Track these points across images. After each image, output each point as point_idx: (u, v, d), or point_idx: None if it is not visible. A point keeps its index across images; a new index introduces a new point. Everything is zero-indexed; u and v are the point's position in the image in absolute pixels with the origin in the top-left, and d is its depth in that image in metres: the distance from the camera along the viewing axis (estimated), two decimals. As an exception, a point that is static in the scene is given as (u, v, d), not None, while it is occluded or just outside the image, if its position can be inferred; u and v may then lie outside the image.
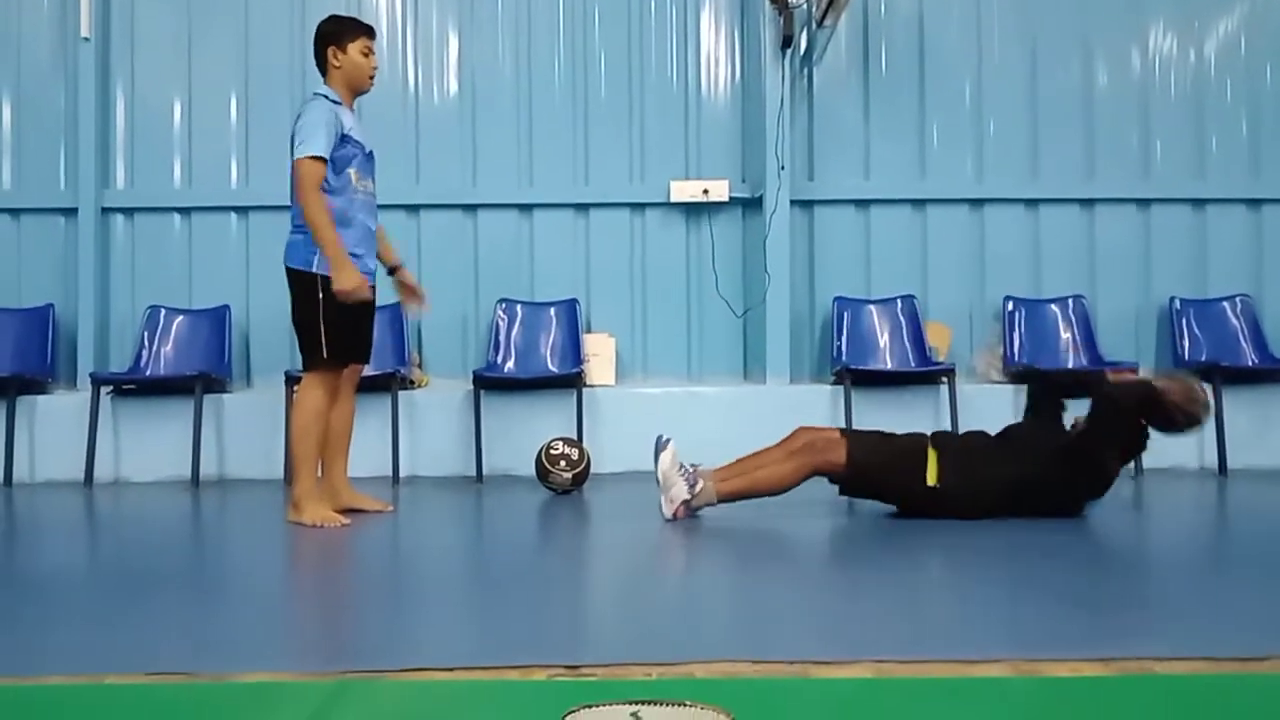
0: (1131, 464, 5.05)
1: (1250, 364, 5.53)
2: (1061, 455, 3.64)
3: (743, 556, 3.19)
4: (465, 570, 3.12)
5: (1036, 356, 5.54)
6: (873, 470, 3.65)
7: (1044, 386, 4.02)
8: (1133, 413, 3.66)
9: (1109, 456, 3.67)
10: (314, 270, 3.69)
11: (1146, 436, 3.72)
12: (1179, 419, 3.65)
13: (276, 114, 5.73)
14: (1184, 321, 5.71)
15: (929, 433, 3.84)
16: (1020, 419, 4.01)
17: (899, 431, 3.90)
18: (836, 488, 3.77)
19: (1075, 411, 3.80)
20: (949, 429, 3.85)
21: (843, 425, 5.15)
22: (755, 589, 2.75)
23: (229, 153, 5.88)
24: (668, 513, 3.62)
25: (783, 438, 3.79)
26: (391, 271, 4.11)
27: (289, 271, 3.76)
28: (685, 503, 3.60)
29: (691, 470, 3.66)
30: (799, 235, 5.78)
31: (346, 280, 3.63)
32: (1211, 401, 3.75)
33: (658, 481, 3.66)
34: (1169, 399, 3.62)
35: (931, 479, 3.60)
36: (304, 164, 3.62)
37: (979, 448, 3.75)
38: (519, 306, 5.77)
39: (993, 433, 3.87)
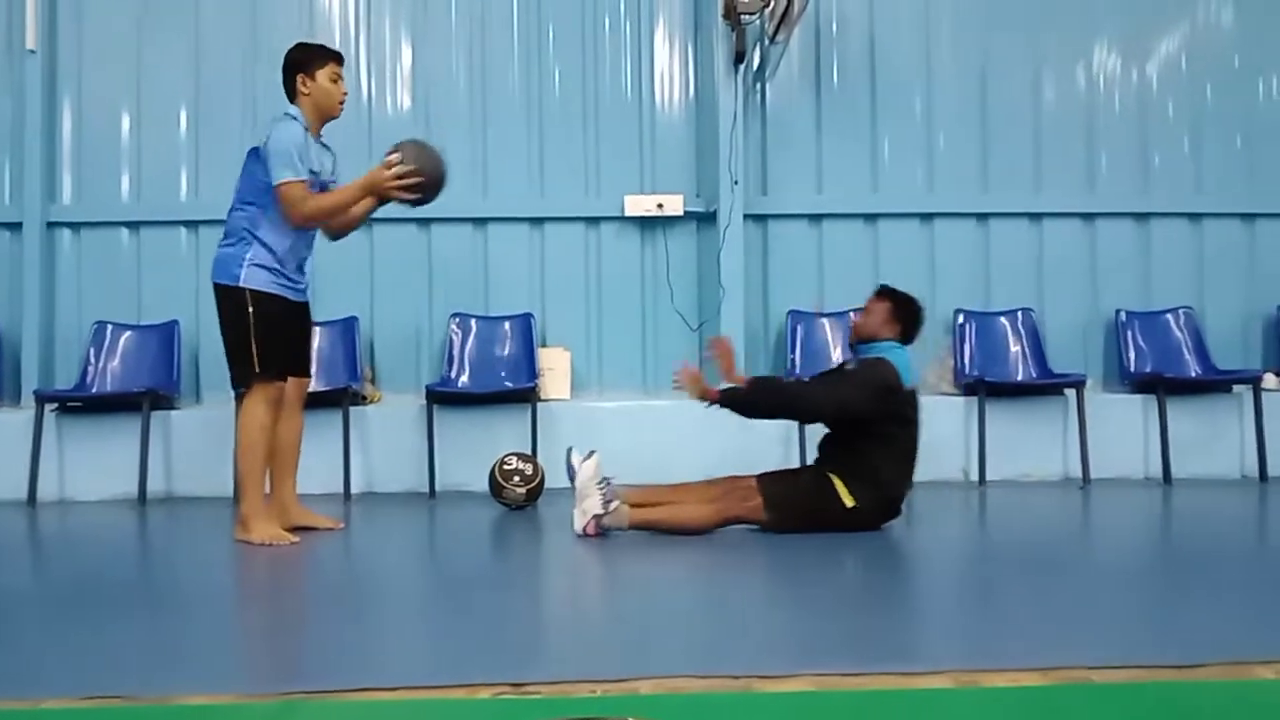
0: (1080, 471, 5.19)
1: (1193, 375, 5.64)
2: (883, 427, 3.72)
3: (688, 572, 3.20)
4: (414, 588, 3.10)
5: (986, 369, 5.62)
6: (793, 506, 3.67)
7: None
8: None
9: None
10: (241, 285, 3.66)
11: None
12: None
13: (227, 127, 5.70)
14: (1129, 333, 5.82)
15: (813, 461, 3.91)
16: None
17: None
18: (761, 530, 3.77)
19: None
20: (825, 452, 3.92)
21: (798, 437, 5.20)
22: (700, 604, 2.76)
23: (178, 166, 5.82)
24: (578, 526, 3.62)
25: (706, 479, 3.85)
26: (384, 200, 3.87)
27: (216, 287, 3.72)
28: (597, 517, 3.60)
29: (610, 486, 3.66)
30: (753, 249, 5.82)
31: (373, 180, 3.72)
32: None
33: (573, 490, 3.66)
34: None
35: (849, 501, 3.65)
36: (283, 191, 3.60)
37: (848, 449, 3.77)
38: (473, 320, 5.75)
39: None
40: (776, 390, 3.89)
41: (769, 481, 3.78)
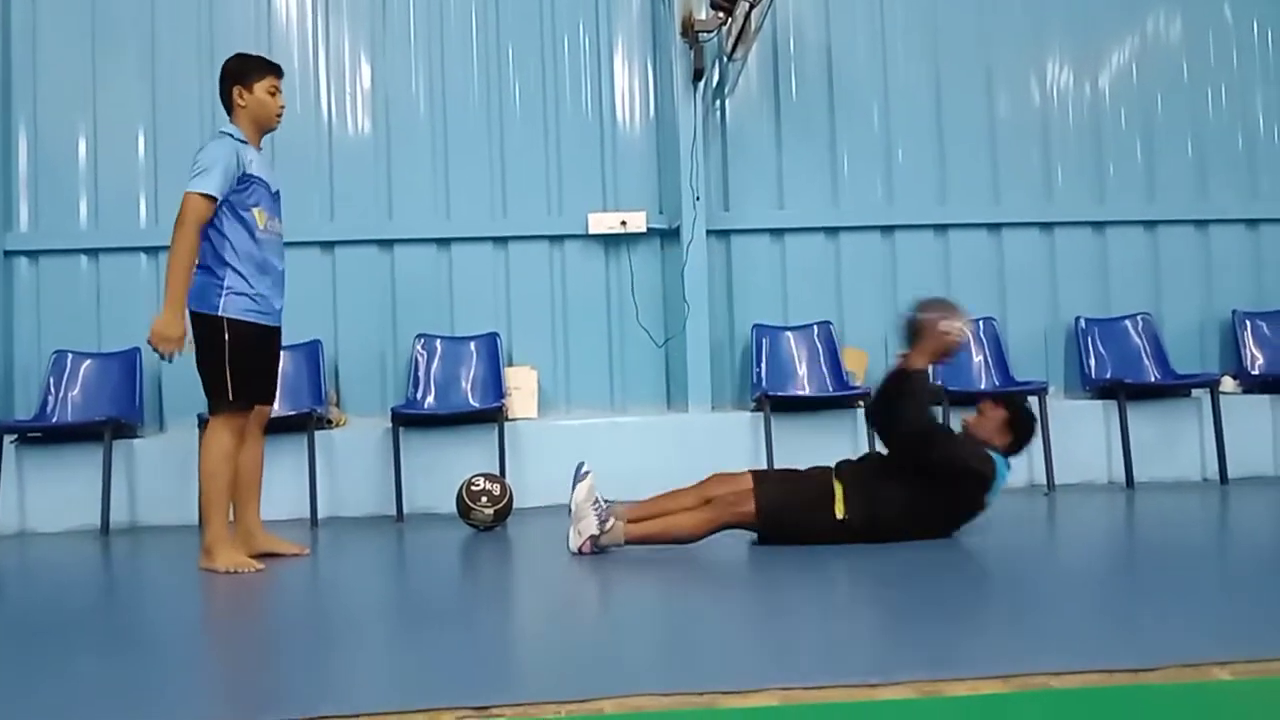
0: (1043, 478, 5.23)
1: (1153, 380, 5.73)
2: (936, 469, 3.67)
3: (655, 588, 3.19)
4: (379, 613, 3.07)
5: (950, 378, 5.66)
6: (785, 516, 3.66)
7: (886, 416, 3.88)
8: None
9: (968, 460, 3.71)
10: (219, 313, 3.63)
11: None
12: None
13: (186, 151, 5.48)
14: (1089, 340, 5.90)
15: (834, 464, 3.84)
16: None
17: (818, 457, 3.94)
18: (755, 537, 3.76)
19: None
20: (853, 456, 3.89)
21: (765, 449, 5.22)
22: (666, 621, 2.76)
23: (137, 191, 5.78)
24: (573, 545, 3.61)
25: (698, 481, 3.81)
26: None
27: (193, 315, 3.69)
28: (593, 538, 3.59)
29: (605, 506, 3.65)
30: (716, 264, 5.86)
31: (166, 326, 3.53)
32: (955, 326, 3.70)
33: (569, 510, 3.66)
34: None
35: (840, 512, 3.63)
36: (192, 198, 3.56)
37: (874, 470, 3.78)
38: (438, 341, 5.74)
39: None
40: (924, 408, 3.76)
41: (765, 483, 3.76)
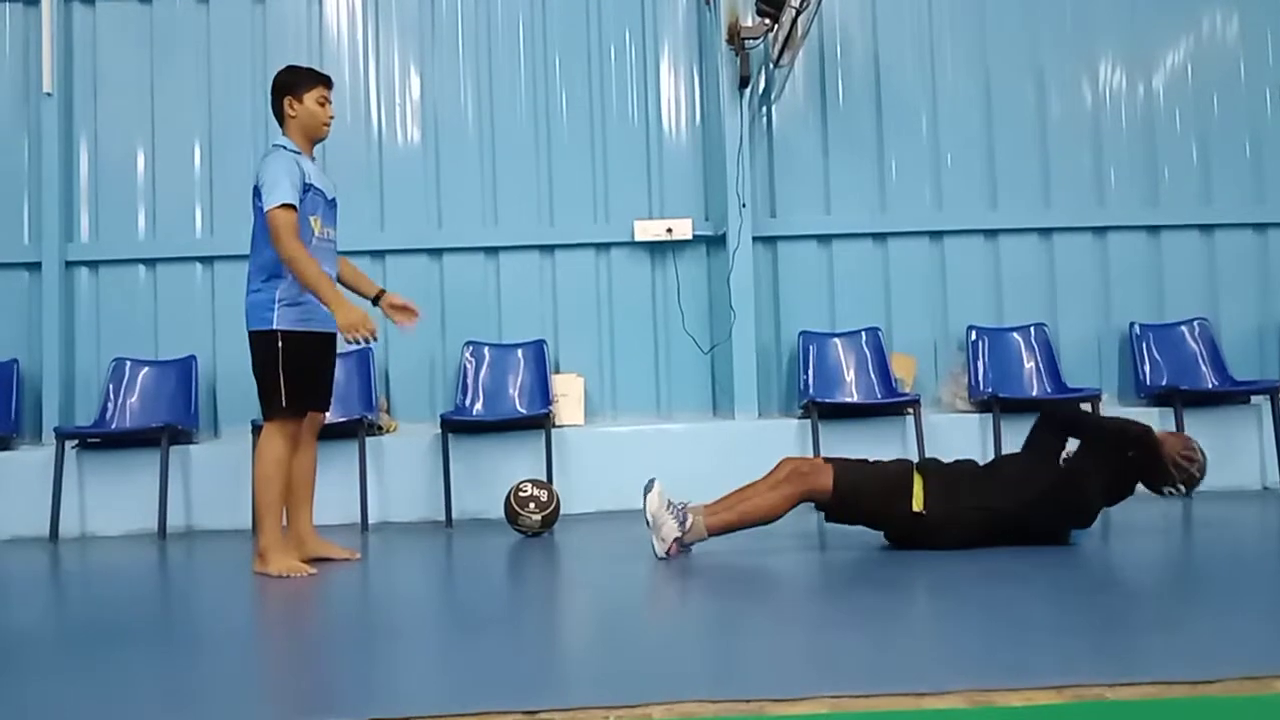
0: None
1: (1210, 387, 5.61)
2: (1049, 493, 3.65)
3: (708, 593, 3.20)
4: (430, 617, 3.10)
5: (1001, 385, 5.60)
6: (860, 497, 3.65)
7: (1048, 421, 3.95)
8: (1122, 448, 3.70)
9: (1093, 490, 3.68)
10: (273, 328, 3.71)
11: (1133, 480, 3.74)
12: (1168, 471, 3.69)
13: (240, 163, 5.76)
14: (1144, 346, 5.80)
15: (914, 460, 3.86)
16: (1019, 449, 3.97)
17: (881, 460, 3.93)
18: (822, 514, 3.77)
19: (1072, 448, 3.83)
20: (933, 457, 3.90)
21: (813, 457, 5.19)
22: (718, 627, 2.76)
23: (193, 203, 5.90)
24: (660, 551, 3.64)
25: (769, 471, 3.81)
26: (376, 300, 4.04)
27: (251, 334, 3.78)
28: (677, 540, 3.62)
29: (680, 507, 3.67)
30: (763, 271, 5.85)
31: (345, 317, 3.62)
32: (1204, 464, 3.78)
33: (648, 523, 3.68)
34: (1164, 449, 3.67)
35: (918, 505, 3.61)
36: (276, 214, 3.64)
37: (966, 476, 3.75)
38: (486, 349, 5.78)
39: (981, 462, 3.91)
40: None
41: (843, 464, 3.75)
